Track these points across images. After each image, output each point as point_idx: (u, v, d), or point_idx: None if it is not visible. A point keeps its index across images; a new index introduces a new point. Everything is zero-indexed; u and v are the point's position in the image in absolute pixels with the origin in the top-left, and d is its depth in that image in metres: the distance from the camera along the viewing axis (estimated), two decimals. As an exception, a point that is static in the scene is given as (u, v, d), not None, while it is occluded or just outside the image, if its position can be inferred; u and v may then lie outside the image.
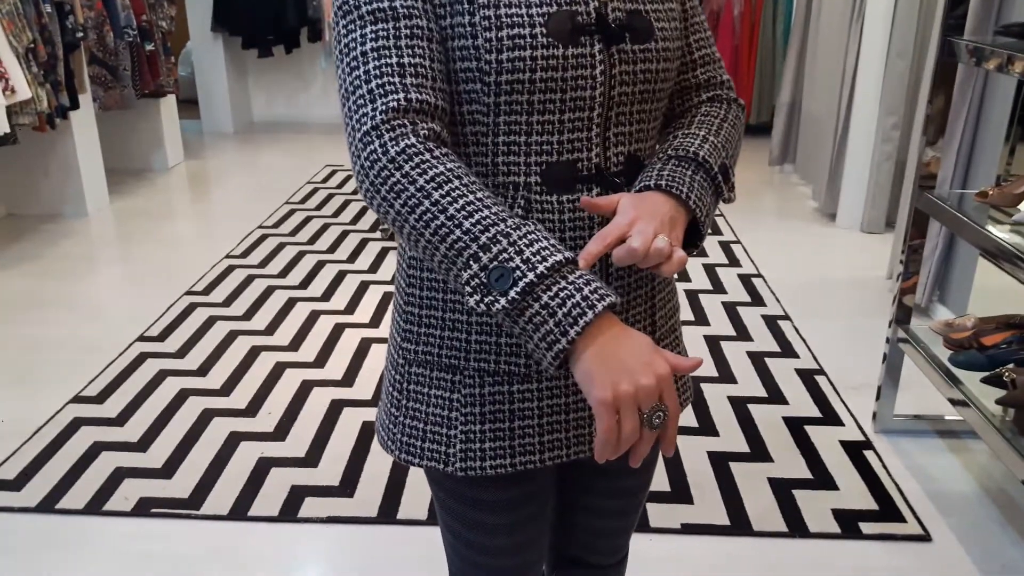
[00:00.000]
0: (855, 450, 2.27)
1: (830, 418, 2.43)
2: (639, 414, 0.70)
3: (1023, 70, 1.77)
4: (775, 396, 2.55)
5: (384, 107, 0.76)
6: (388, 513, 2.01)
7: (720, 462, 2.21)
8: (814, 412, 2.46)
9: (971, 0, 2.61)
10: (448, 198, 0.74)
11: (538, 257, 0.71)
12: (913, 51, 3.65)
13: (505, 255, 0.71)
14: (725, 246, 3.79)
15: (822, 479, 2.14)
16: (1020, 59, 1.77)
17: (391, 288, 3.33)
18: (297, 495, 2.07)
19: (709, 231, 0.89)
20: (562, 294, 0.70)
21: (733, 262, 3.61)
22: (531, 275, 0.70)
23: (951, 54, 2.06)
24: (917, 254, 2.25)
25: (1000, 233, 1.89)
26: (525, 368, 0.89)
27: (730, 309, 3.15)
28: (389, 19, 0.78)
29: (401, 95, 0.77)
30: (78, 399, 2.50)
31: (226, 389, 2.56)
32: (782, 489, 2.10)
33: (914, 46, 3.65)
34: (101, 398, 2.50)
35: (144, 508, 2.02)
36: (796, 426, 2.38)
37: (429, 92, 0.78)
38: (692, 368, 0.73)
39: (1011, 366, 1.98)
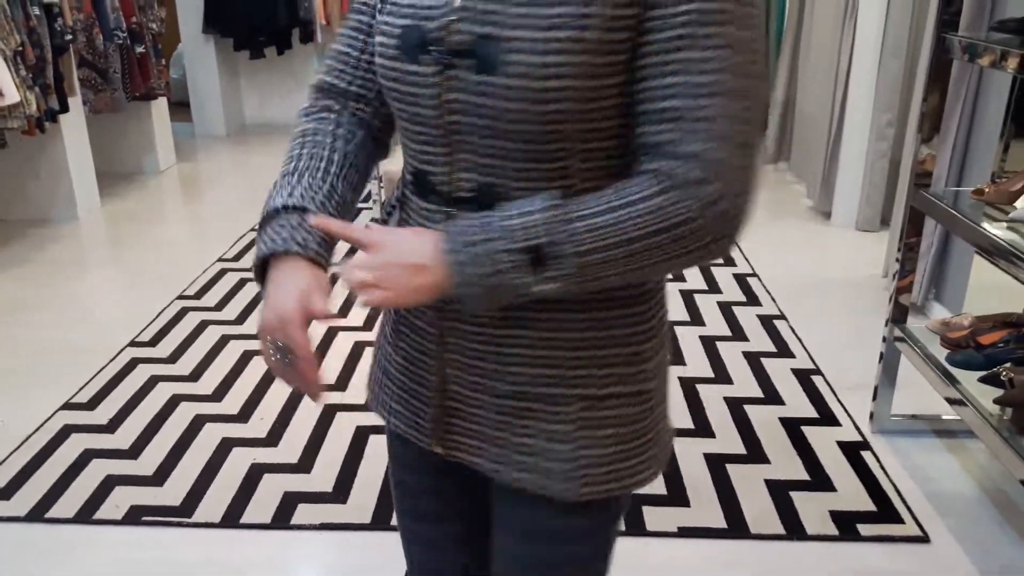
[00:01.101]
0: (852, 451, 2.26)
1: (827, 418, 2.41)
2: (270, 346, 0.82)
3: (1017, 66, 1.75)
4: (771, 397, 2.53)
5: (313, 82, 0.95)
6: (382, 519, 1.99)
7: (717, 464, 2.20)
8: (811, 412, 2.44)
9: None
10: (291, 147, 0.92)
11: (273, 201, 0.86)
12: (907, 48, 3.64)
13: (270, 195, 0.88)
14: (720, 245, 3.77)
15: (819, 480, 2.13)
16: (1014, 55, 1.75)
17: (384, 290, 3.30)
18: (290, 502, 2.05)
19: (494, 301, 0.77)
20: (272, 227, 0.84)
21: (728, 261, 3.59)
22: (264, 212, 0.86)
23: (945, 50, 2.05)
24: (913, 252, 2.24)
25: (996, 230, 1.88)
26: (393, 330, 0.96)
27: (725, 309, 3.14)
28: (353, 11, 0.92)
29: (322, 76, 0.94)
30: (68, 406, 2.47)
31: (218, 394, 2.53)
32: (779, 491, 2.09)
33: (908, 43, 3.64)
34: (92, 404, 2.47)
35: (135, 516, 1.99)
36: (793, 427, 2.37)
37: (338, 76, 0.92)
38: (322, 314, 0.80)
39: (1008, 365, 1.97)
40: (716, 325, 3.01)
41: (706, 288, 3.32)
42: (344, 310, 3.12)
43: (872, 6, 3.62)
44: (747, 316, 3.08)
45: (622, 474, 0.89)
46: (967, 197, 2.11)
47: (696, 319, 3.05)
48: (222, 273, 3.48)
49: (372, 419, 2.39)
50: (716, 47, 0.70)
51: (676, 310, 3.12)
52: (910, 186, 2.19)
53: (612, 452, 0.88)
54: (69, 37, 3.87)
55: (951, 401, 1.99)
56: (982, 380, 1.96)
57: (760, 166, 0.76)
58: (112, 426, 2.36)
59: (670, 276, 0.87)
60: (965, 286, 2.86)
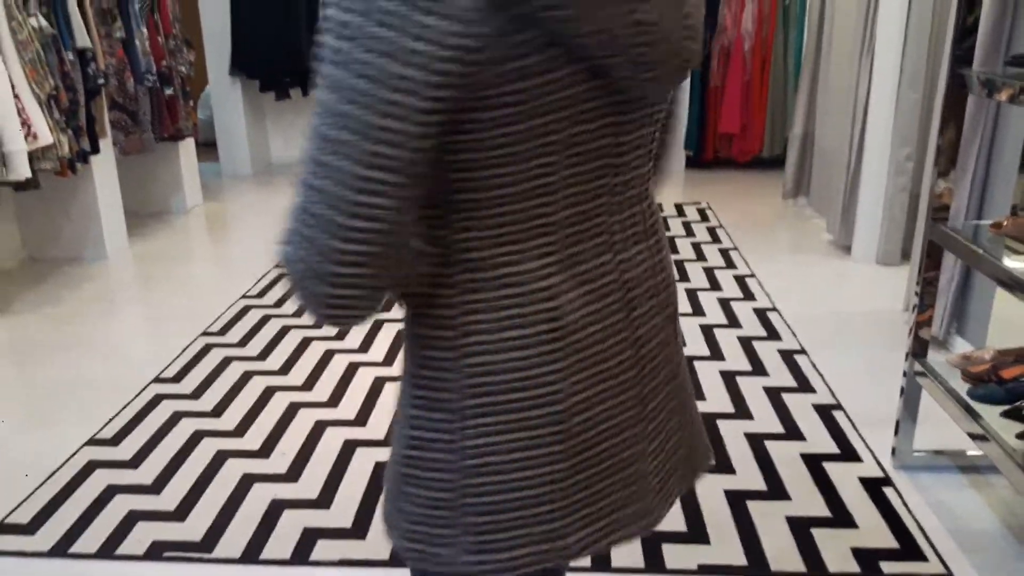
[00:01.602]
0: (874, 487, 2.23)
1: (848, 454, 2.39)
2: None
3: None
4: (792, 432, 2.51)
5: None
6: (400, 556, 1.99)
7: (737, 501, 2.18)
8: (832, 448, 2.42)
9: (980, 31, 2.62)
10: None
11: None
12: (924, 82, 3.65)
13: None
14: (740, 280, 3.77)
15: (841, 517, 2.11)
16: (1028, 90, 1.76)
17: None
18: (310, 537, 2.06)
19: None
20: None
21: (748, 296, 3.58)
22: None
23: (961, 86, 2.06)
24: (932, 286, 2.23)
25: (1015, 264, 1.87)
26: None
27: (746, 344, 3.13)
28: None
29: None
30: (93, 441, 2.51)
31: (240, 430, 2.56)
32: (800, 528, 2.07)
33: (925, 76, 3.65)
34: (116, 440, 2.51)
35: (157, 551, 2.01)
36: (814, 463, 2.35)
37: None
38: None
39: (1032, 400, 1.95)
40: (736, 360, 3.00)
41: (726, 323, 3.31)
42: (366, 345, 3.15)
43: (889, 39, 3.64)
44: (767, 351, 3.07)
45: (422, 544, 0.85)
46: (986, 231, 2.10)
47: (716, 354, 3.04)
48: (246, 310, 3.53)
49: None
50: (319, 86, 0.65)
51: (696, 344, 3.11)
52: (927, 220, 2.19)
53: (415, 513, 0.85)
54: (101, 81, 3.99)
55: (973, 436, 1.97)
56: (1005, 415, 1.93)
57: (333, 246, 0.65)
58: (136, 461, 2.40)
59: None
60: (987, 320, 2.84)
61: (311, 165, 0.65)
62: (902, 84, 3.66)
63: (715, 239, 4.37)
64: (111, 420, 2.63)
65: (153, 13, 4.56)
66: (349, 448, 2.45)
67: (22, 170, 3.34)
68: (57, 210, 4.18)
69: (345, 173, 0.64)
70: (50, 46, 3.56)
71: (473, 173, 0.73)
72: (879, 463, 2.34)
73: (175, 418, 2.64)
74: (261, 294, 3.72)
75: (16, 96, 3.32)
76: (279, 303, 3.61)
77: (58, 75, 3.61)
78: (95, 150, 3.97)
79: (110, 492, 2.25)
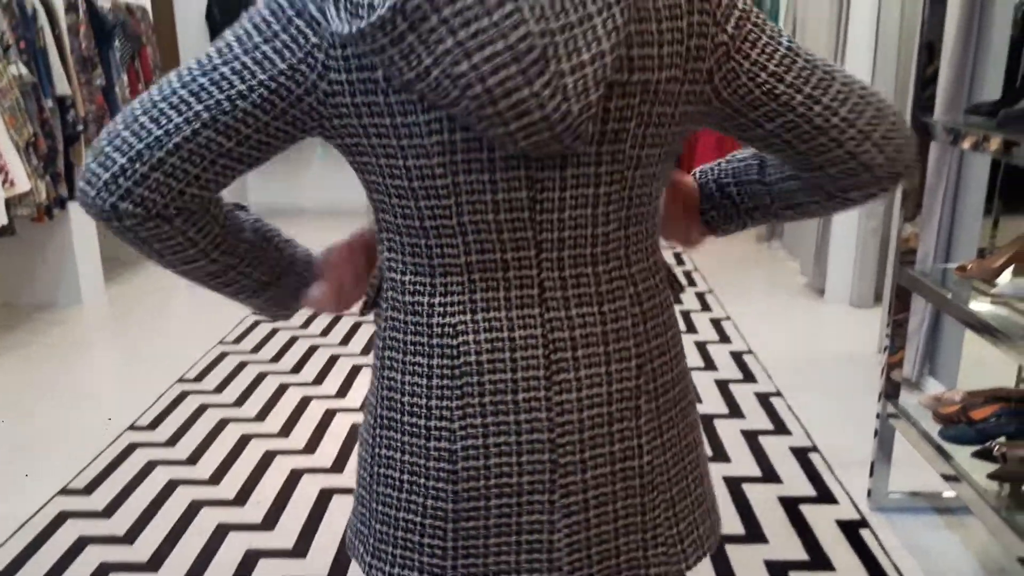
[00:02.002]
0: (851, 529, 2.24)
1: (825, 497, 2.40)
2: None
3: (996, 148, 1.81)
4: (769, 475, 2.52)
5: None
6: (377, 604, 1.97)
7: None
8: (809, 491, 2.43)
9: (943, 81, 2.70)
10: None
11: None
12: (891, 129, 3.75)
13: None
14: (716, 323, 3.81)
15: (818, 560, 2.11)
16: (990, 137, 1.82)
17: (383, 371, 3.32)
18: (285, 587, 2.03)
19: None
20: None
21: (724, 339, 3.62)
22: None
23: (924, 133, 2.12)
24: (902, 329, 2.26)
25: (979, 306, 1.91)
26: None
27: (722, 386, 3.15)
28: None
29: None
30: (65, 491, 2.47)
31: (215, 478, 2.53)
32: (778, 571, 2.07)
33: (892, 124, 3.74)
34: (88, 490, 2.47)
35: (128, 604, 1.98)
36: (791, 505, 2.36)
37: None
38: None
39: (1002, 439, 1.98)
40: (713, 403, 3.01)
41: (703, 366, 3.34)
42: (343, 390, 3.14)
43: (856, 89, 3.74)
44: (744, 393, 3.09)
45: None
46: (953, 274, 2.15)
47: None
48: (223, 356, 3.51)
49: (369, 502, 2.39)
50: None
51: (673, 388, 3.12)
52: (896, 264, 2.23)
53: None
54: (80, 128, 4.00)
55: (947, 477, 1.99)
56: (975, 455, 1.96)
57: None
58: (108, 511, 2.36)
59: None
60: (958, 360, 2.88)
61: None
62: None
63: (691, 282, 4.41)
64: (84, 469, 2.59)
65: (134, 61, 4.60)
66: (326, 496, 2.43)
67: (-2, 217, 3.33)
68: (33, 255, 4.16)
69: (157, 90, 0.75)
70: (30, 94, 3.58)
71: (382, 198, 0.80)
72: (855, 505, 2.36)
73: (149, 467, 2.61)
74: (238, 340, 3.70)
75: (-6, 143, 3.32)
76: (256, 349, 3.59)
77: (37, 122, 3.63)
78: (73, 196, 3.97)
79: (81, 543, 2.21)
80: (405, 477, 0.84)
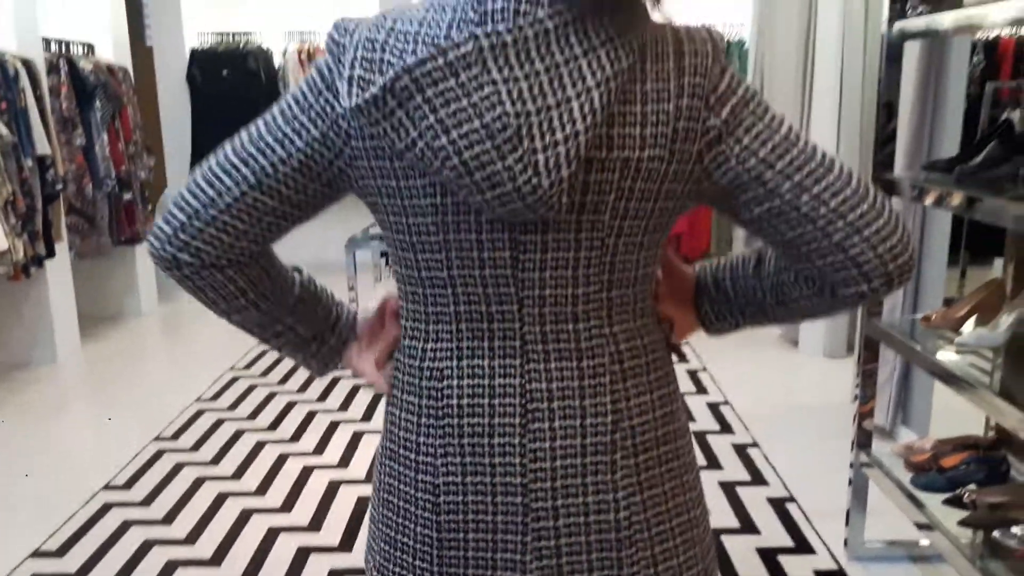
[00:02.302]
0: (829, 579, 2.25)
1: (803, 547, 2.42)
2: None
3: (958, 204, 1.86)
4: (747, 526, 2.54)
5: None
6: (355, 664, 1.94)
7: (694, 597, 2.18)
8: (787, 541, 2.45)
9: (904, 138, 2.80)
10: None
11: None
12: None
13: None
14: (692, 374, 3.85)
15: (797, 611, 2.12)
16: (941, 193, 1.89)
17: (361, 427, 3.32)
18: (261, 648, 2.00)
19: None
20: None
21: (700, 390, 3.65)
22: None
23: (886, 190, 2.19)
24: (872, 378, 2.31)
25: (946, 356, 1.96)
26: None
27: (700, 438, 3.17)
28: None
29: None
30: (38, 554, 2.43)
31: (192, 537, 2.50)
32: (758, 623, 2.07)
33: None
34: (61, 552, 2.43)
35: (100, 669, 1.94)
36: (769, 556, 2.37)
37: None
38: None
39: (972, 487, 2.01)
40: (691, 454, 3.03)
41: (680, 417, 3.36)
42: (320, 447, 3.13)
43: (822, 145, 3.86)
44: (721, 444, 3.11)
45: None
46: (919, 324, 2.20)
47: (671, 448, 3.07)
48: (199, 414, 3.49)
49: (345, 561, 2.37)
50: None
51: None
52: (864, 315, 2.29)
53: None
54: (60, 187, 4.03)
55: (920, 526, 2.01)
56: (946, 502, 1.99)
57: None
58: (81, 574, 2.32)
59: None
60: (929, 409, 2.93)
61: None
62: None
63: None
64: (57, 531, 2.56)
65: (114, 120, 4.65)
66: (303, 555, 2.41)
67: (-25, 276, 3.33)
68: (8, 313, 4.13)
69: (214, 158, 0.85)
70: (10, 153, 3.61)
71: (392, 248, 0.88)
72: (832, 555, 2.37)
73: (124, 527, 2.57)
74: (215, 397, 3.68)
75: (-28, 203, 3.33)
76: (233, 406, 3.57)
77: (16, 181, 3.65)
78: (50, 254, 3.97)
79: (52, 607, 2.17)
80: (400, 503, 0.91)
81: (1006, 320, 1.97)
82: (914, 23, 2.04)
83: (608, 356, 0.86)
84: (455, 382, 0.86)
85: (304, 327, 0.96)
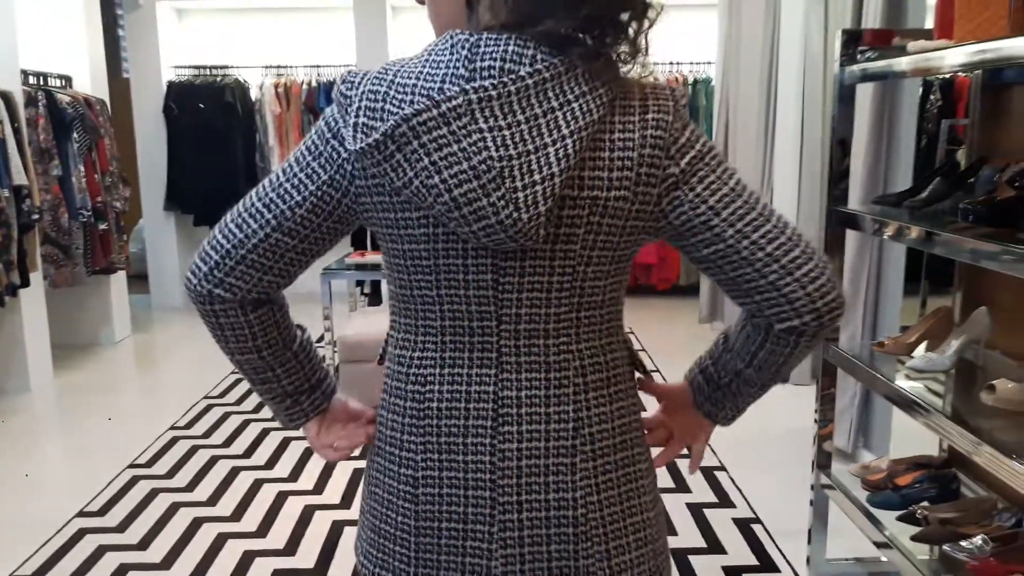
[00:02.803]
0: (792, 596, 2.33)
1: (767, 565, 2.49)
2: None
3: (916, 236, 1.96)
4: (714, 546, 2.61)
5: None
6: None
7: (662, 614, 2.24)
8: (751, 560, 2.52)
9: (860, 172, 2.93)
10: None
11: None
12: (819, 217, 4.01)
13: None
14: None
15: (761, 627, 2.19)
16: (895, 226, 2.01)
17: (337, 454, 3.35)
18: (237, 669, 2.03)
19: None
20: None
21: (670, 417, 3.73)
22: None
23: (838, 222, 2.31)
24: (830, 403, 2.41)
25: (901, 381, 2.06)
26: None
27: (670, 464, 3.24)
28: None
29: None
30: (11, 579, 2.44)
31: (167, 562, 2.52)
32: (723, 639, 2.14)
33: (820, 212, 4.00)
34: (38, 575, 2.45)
35: None
36: (734, 575, 2.44)
37: None
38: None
39: (925, 504, 2.11)
40: (660, 478, 3.07)
41: (650, 443, 3.44)
42: (295, 474, 3.16)
43: (784, 179, 4.01)
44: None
45: None
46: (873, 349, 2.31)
47: (641, 473, 3.15)
48: (174, 441, 3.51)
49: (322, 582, 2.41)
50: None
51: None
52: (822, 342, 2.39)
53: None
54: (36, 216, 4.05)
55: (878, 545, 2.10)
56: (900, 519, 2.08)
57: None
58: (56, 599, 2.34)
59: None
60: (888, 432, 3.04)
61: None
62: (799, 219, 4.00)
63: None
64: (30, 557, 2.56)
65: (91, 151, 4.69)
66: (279, 577, 2.44)
67: (-50, 304, 3.34)
68: (-20, 343, 4.13)
69: (243, 203, 0.97)
70: (-13, 183, 3.64)
71: (388, 271, 0.99)
72: (796, 573, 2.45)
73: (99, 552, 2.59)
74: (189, 425, 3.70)
75: (-51, 231, 3.36)
76: (207, 434, 3.59)
77: (-7, 211, 3.67)
78: (25, 283, 3.99)
79: (28, 631, 2.18)
80: (384, 495, 1.01)
81: (953, 345, 2.08)
82: (865, 67, 2.17)
83: (573, 370, 0.96)
84: (436, 387, 0.97)
85: (289, 381, 1.05)
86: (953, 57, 1.74)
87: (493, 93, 0.85)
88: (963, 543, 1.89)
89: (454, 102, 0.84)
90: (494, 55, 0.86)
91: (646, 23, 0.91)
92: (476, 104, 0.84)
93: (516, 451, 0.95)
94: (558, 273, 0.93)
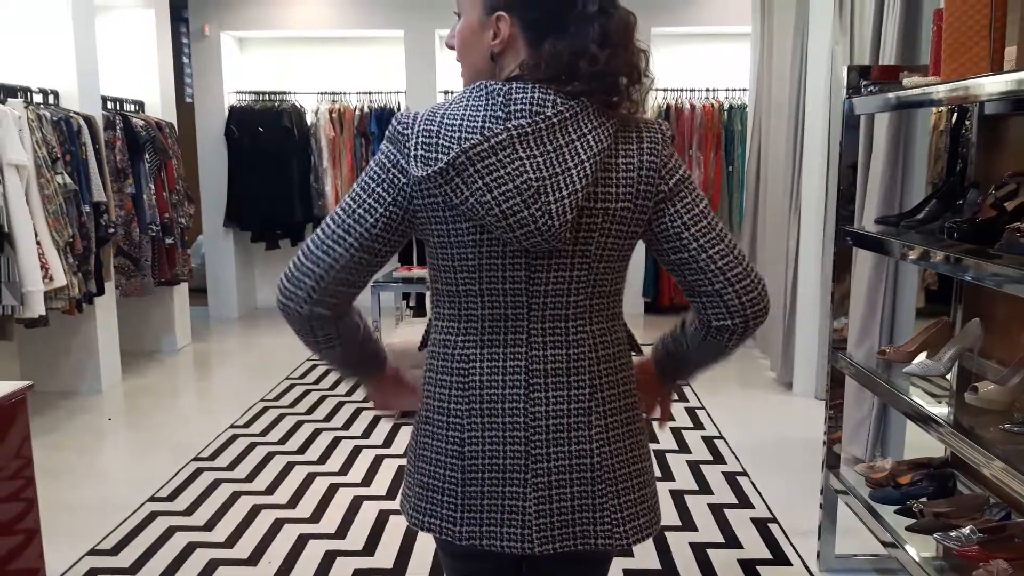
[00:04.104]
0: (801, 586, 2.50)
1: (780, 560, 2.67)
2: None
3: (918, 256, 2.13)
4: (731, 541, 2.80)
5: None
6: (377, 646, 2.21)
7: (679, 598, 2.43)
8: (766, 555, 2.70)
9: (877, 191, 3.11)
10: None
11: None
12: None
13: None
14: (691, 412, 4.12)
15: (770, 611, 2.37)
16: (904, 247, 2.19)
17: (382, 452, 3.61)
18: (294, 632, 2.27)
19: None
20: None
21: (697, 425, 3.92)
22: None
23: (844, 241, 2.50)
24: (838, 409, 2.59)
25: (894, 384, 2.24)
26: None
27: (694, 467, 3.44)
28: None
29: None
30: (94, 552, 2.73)
31: (230, 541, 2.79)
32: (734, 620, 2.32)
33: (844, 233, 4.17)
34: (116, 550, 2.73)
35: (154, 645, 2.22)
36: (749, 567, 2.62)
37: None
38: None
39: (923, 500, 2.28)
40: (685, 481, 3.30)
41: (677, 448, 3.63)
42: (345, 468, 3.42)
43: (811, 201, 4.19)
44: (713, 473, 3.37)
45: None
46: (895, 363, 2.46)
47: (667, 476, 3.35)
48: (234, 438, 3.80)
49: (370, 563, 2.65)
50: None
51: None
52: (830, 350, 2.58)
53: None
54: (112, 231, 4.41)
55: (885, 544, 2.24)
56: (897, 512, 2.25)
57: None
58: (134, 569, 2.61)
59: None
60: (903, 442, 3.19)
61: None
62: (826, 236, 4.17)
63: (670, 377, 4.73)
64: (108, 534, 2.85)
65: (160, 171, 5.06)
66: (330, 558, 2.69)
67: (37, 308, 3.68)
68: (58, 346, 4.48)
69: (322, 232, 1.18)
70: (71, 200, 4.00)
71: (436, 271, 1.23)
72: (807, 567, 2.62)
73: (169, 532, 2.87)
74: (247, 424, 3.99)
75: (38, 243, 3.71)
76: (264, 432, 3.88)
77: (75, 225, 4.03)
78: (100, 292, 4.33)
79: (110, 595, 2.45)
80: (432, 455, 1.25)
81: (948, 352, 2.26)
82: (868, 99, 2.37)
83: (588, 346, 1.23)
84: (478, 364, 1.21)
85: (355, 357, 1.32)
86: (938, 93, 1.94)
87: (528, 129, 1.10)
88: (952, 533, 2.06)
89: (499, 136, 1.09)
90: (524, 100, 1.12)
91: (640, 86, 1.18)
92: (516, 138, 1.09)
93: (544, 412, 1.21)
94: (577, 268, 1.19)
